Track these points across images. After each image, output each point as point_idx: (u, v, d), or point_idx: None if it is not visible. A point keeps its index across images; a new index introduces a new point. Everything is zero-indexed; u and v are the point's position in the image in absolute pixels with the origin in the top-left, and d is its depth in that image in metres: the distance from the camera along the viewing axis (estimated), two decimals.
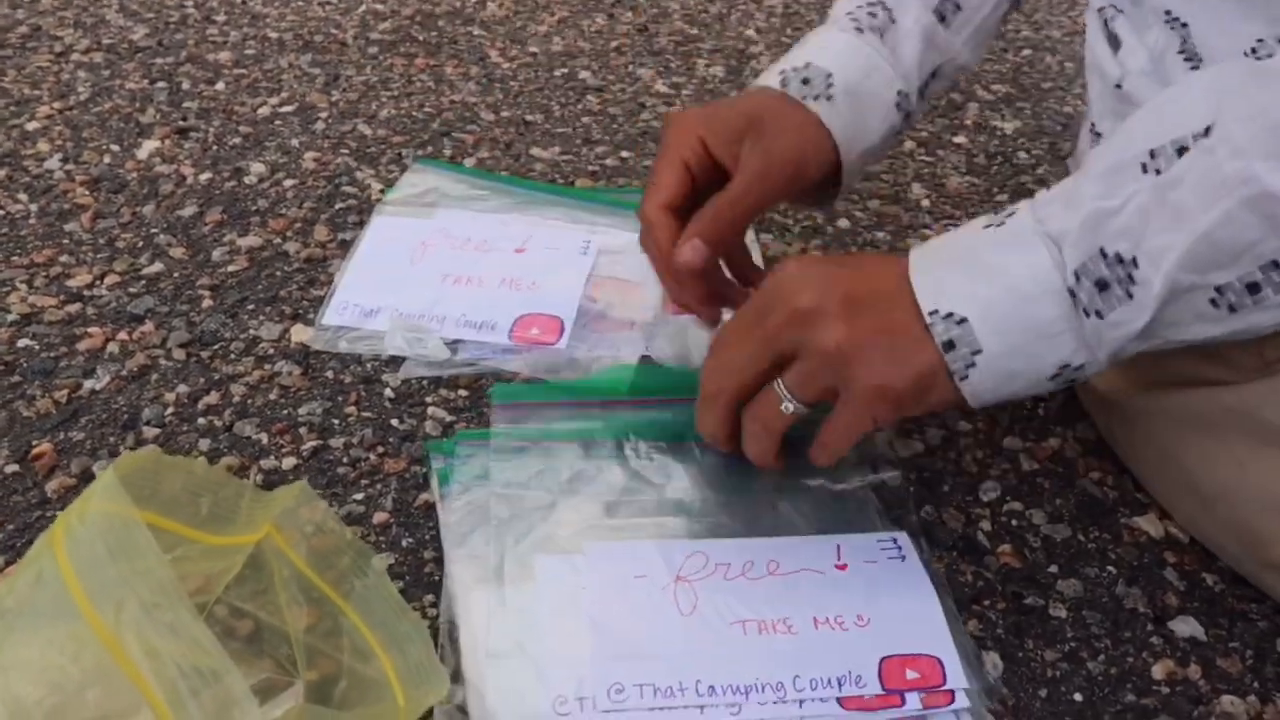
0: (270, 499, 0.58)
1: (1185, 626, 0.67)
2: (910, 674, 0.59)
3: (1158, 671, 0.64)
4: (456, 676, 0.59)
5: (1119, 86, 0.75)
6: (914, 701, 0.58)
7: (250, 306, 0.89)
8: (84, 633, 0.37)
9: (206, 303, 0.90)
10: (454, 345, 0.83)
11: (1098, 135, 0.78)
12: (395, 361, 0.83)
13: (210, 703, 0.36)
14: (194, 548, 0.55)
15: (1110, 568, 0.70)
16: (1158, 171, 0.56)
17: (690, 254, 0.70)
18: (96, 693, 0.36)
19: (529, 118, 1.22)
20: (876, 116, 0.77)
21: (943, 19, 0.81)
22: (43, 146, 1.12)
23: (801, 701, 0.57)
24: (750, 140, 0.72)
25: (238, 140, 1.14)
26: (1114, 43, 0.77)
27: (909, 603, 0.64)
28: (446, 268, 0.90)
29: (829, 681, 0.58)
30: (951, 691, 0.58)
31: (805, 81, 0.75)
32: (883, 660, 0.60)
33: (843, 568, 0.65)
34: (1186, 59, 0.70)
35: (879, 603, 0.63)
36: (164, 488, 0.51)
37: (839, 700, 0.58)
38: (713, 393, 0.67)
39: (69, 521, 0.43)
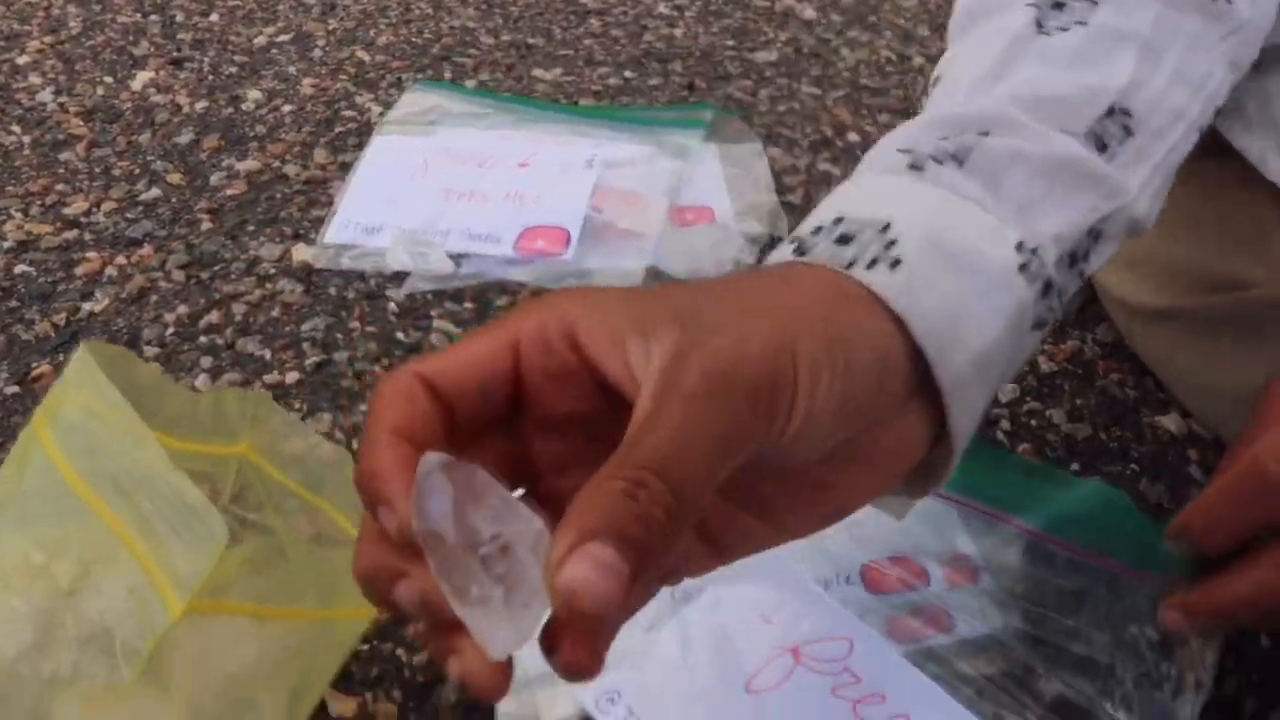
0: (227, 408, 0.57)
1: None
2: (892, 576, 0.58)
3: None
4: None
5: None
6: (938, 580, 0.57)
7: (250, 228, 0.88)
8: (64, 493, 0.37)
9: (205, 226, 0.88)
10: (458, 259, 0.82)
11: None
12: (399, 277, 0.82)
13: (188, 537, 0.36)
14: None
15: (1133, 465, 0.69)
16: None
17: (594, 579, 0.29)
18: (77, 543, 0.35)
19: (530, 41, 1.19)
20: (990, 287, 0.40)
21: (1101, 146, 0.45)
22: (34, 80, 1.10)
23: None
24: (710, 341, 0.34)
25: (234, 69, 1.12)
26: None
27: None
28: (449, 184, 0.88)
29: (819, 581, 0.58)
30: (975, 570, 0.57)
31: (843, 241, 0.39)
32: (865, 564, 0.59)
33: None
34: None
35: None
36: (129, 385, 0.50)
37: (862, 579, 0.57)
38: None
39: (49, 406, 0.43)
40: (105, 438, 0.42)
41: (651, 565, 0.31)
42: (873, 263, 0.38)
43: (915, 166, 0.42)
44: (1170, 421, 0.72)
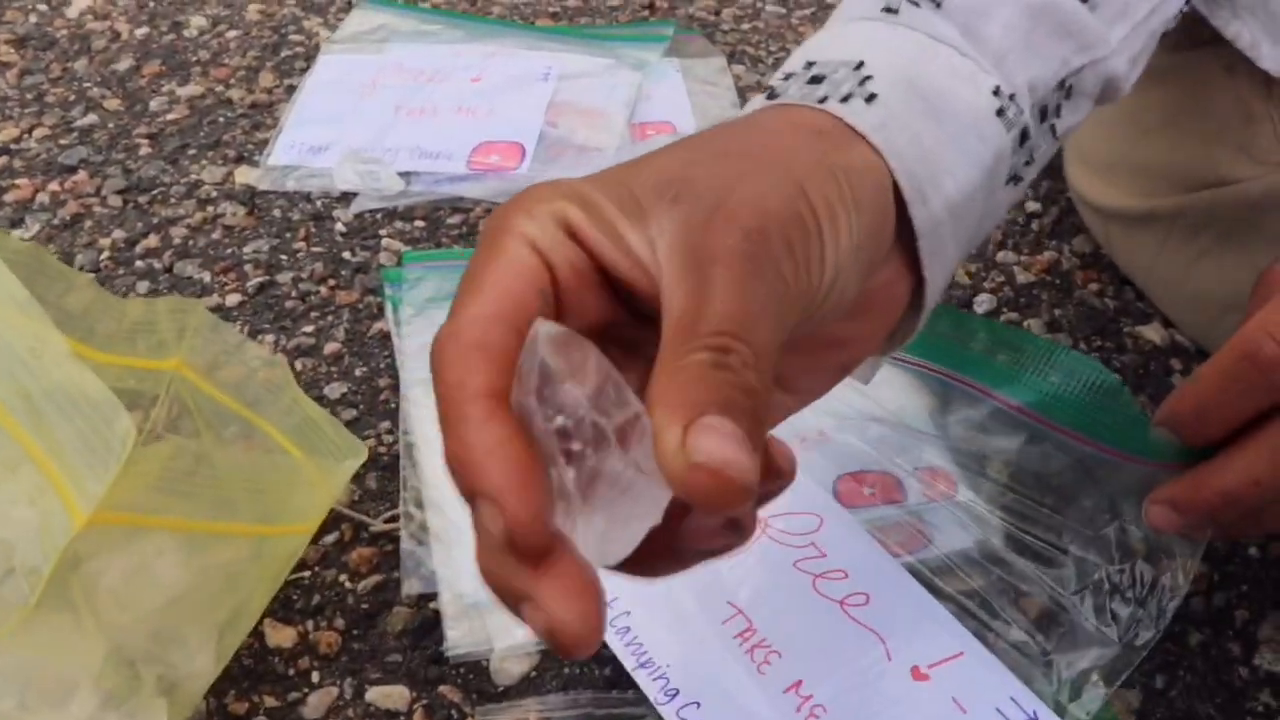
0: (157, 318, 0.53)
1: None
2: (867, 490, 0.55)
3: None
4: (419, 500, 0.55)
5: None
6: (916, 494, 0.54)
7: (191, 152, 0.84)
8: None
9: (144, 150, 0.84)
10: (408, 177, 0.78)
11: None
12: (347, 198, 0.78)
13: (97, 443, 0.32)
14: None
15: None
16: None
17: (732, 451, 0.26)
18: None
19: None
20: (965, 131, 0.38)
21: None
22: None
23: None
24: (726, 203, 0.31)
25: None
26: None
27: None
28: (398, 100, 0.84)
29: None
30: (953, 480, 0.54)
31: (815, 81, 0.37)
32: (838, 478, 0.56)
33: None
34: None
35: None
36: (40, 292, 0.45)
37: (835, 489, 0.54)
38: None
39: None
40: (2, 332, 0.39)
41: (760, 436, 0.27)
42: (846, 97, 0.36)
43: (890, 10, 0.40)
44: (1152, 331, 0.69)
